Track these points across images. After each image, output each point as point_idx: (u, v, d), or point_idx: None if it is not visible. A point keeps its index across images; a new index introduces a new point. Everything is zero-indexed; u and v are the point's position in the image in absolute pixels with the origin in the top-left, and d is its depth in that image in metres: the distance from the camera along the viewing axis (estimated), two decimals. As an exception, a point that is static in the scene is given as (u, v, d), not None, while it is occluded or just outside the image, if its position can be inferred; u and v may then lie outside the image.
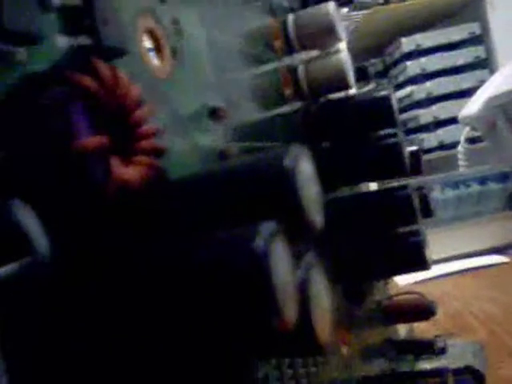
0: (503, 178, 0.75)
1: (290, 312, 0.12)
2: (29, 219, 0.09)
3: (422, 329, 0.45)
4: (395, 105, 0.29)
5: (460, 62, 1.29)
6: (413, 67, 1.30)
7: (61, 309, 0.10)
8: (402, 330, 0.40)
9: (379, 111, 0.29)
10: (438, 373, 0.28)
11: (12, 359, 0.10)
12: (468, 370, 0.36)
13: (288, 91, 0.29)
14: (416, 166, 0.31)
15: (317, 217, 0.14)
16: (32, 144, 0.12)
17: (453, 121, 1.15)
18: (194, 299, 0.11)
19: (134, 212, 0.13)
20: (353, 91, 0.30)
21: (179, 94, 0.19)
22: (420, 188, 0.31)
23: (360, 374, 0.29)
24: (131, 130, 0.13)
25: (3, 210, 0.09)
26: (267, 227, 0.12)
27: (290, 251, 0.13)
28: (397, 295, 0.36)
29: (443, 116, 1.23)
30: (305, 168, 0.14)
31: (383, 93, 0.29)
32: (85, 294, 0.10)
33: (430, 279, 0.66)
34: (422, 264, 0.28)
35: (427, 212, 0.32)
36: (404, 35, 1.32)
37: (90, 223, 0.12)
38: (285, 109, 0.29)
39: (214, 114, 0.21)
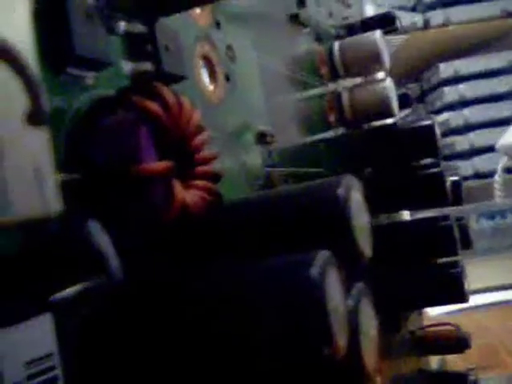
0: (540, 210, 0.74)
1: (341, 340, 0.12)
2: (104, 240, 0.10)
3: (454, 361, 0.44)
4: (438, 134, 0.29)
5: (499, 89, 1.28)
6: (450, 93, 1.30)
7: (126, 328, 0.10)
8: (434, 361, 0.39)
9: (422, 140, 0.29)
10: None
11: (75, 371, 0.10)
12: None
13: (332, 117, 0.29)
14: (456, 195, 0.31)
15: (366, 246, 0.14)
16: (101, 166, 0.12)
17: (489, 149, 1.14)
18: (247, 326, 0.12)
19: (194, 235, 0.13)
20: (395, 118, 0.30)
21: (231, 118, 0.20)
22: (460, 219, 0.31)
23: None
24: (191, 154, 0.14)
25: (83, 230, 0.09)
26: (322, 255, 0.12)
27: (342, 280, 0.13)
28: (432, 326, 0.35)
29: (480, 144, 1.21)
30: (356, 197, 0.14)
31: (426, 122, 0.29)
32: (148, 317, 0.11)
33: (462, 310, 0.65)
34: (460, 296, 0.28)
35: (466, 243, 0.31)
36: (442, 61, 1.31)
37: (153, 246, 0.12)
38: (329, 134, 0.29)
39: (262, 138, 0.21)
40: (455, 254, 0.28)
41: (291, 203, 0.14)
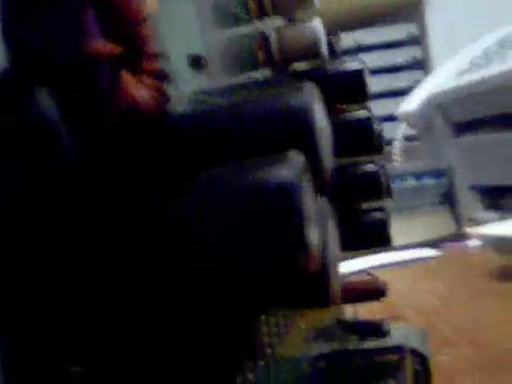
0: (438, 174, 0.76)
1: (316, 251, 0.11)
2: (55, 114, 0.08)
3: (361, 313, 0.44)
4: (367, 79, 0.28)
5: (397, 61, 1.32)
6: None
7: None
8: (348, 311, 0.40)
9: (351, 84, 0.28)
10: (397, 350, 0.28)
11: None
12: (413, 353, 0.36)
13: (260, 56, 0.28)
14: (379, 143, 0.31)
15: (329, 162, 0.13)
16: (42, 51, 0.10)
17: (388, 118, 1.17)
18: (219, 229, 0.10)
19: (147, 136, 0.11)
20: (323, 61, 0.30)
21: (164, 32, 0.18)
22: (383, 167, 0.31)
23: (316, 350, 0.29)
24: (140, 47, 0.12)
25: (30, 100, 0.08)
26: (297, 158, 0.11)
27: (312, 190, 0.12)
28: (349, 275, 0.35)
29: (379, 113, 1.24)
30: (319, 107, 0.13)
31: (356, 66, 0.28)
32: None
33: (363, 270, 0.67)
34: (385, 240, 0.28)
35: (388, 191, 0.31)
36: (343, 31, 1.33)
37: (100, 142, 0.10)
38: (257, 75, 0.28)
39: (197, 61, 0.20)
40: (380, 198, 0.28)
41: (250, 112, 0.13)
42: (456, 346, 0.44)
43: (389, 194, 0.31)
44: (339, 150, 0.30)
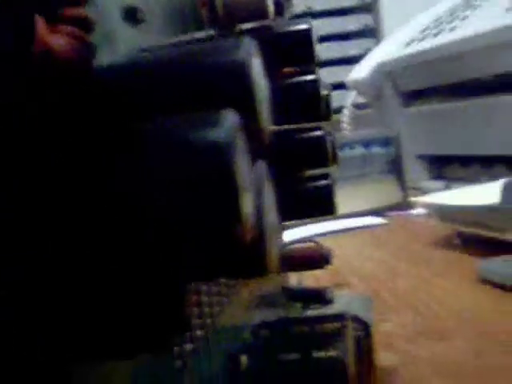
0: (386, 143, 0.77)
1: (251, 220, 0.10)
2: None
3: (309, 282, 0.44)
4: (315, 39, 0.27)
5: (348, 28, 1.31)
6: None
7: None
8: (293, 279, 0.40)
9: (298, 44, 0.27)
10: (338, 318, 0.28)
11: None
12: (355, 320, 0.36)
13: (204, 14, 0.27)
14: (327, 109, 0.30)
15: (266, 123, 0.12)
16: None
17: (338, 86, 1.17)
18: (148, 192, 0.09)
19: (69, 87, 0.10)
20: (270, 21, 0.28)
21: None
22: (330, 133, 0.30)
23: (258, 318, 0.28)
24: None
25: None
26: (230, 117, 0.10)
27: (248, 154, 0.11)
28: (293, 242, 0.35)
29: (329, 80, 1.24)
30: (257, 64, 0.12)
31: (303, 25, 0.27)
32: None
33: (309, 237, 0.67)
34: (329, 208, 0.27)
35: (334, 158, 0.31)
36: (295, -4, 1.31)
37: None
38: (200, 34, 0.26)
39: (132, 13, 0.18)
40: (326, 165, 0.27)
41: (184, 66, 0.12)
42: (398, 312, 0.45)
43: (335, 161, 0.31)
44: (285, 115, 0.29)
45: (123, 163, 0.09)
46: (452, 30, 0.71)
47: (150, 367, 0.15)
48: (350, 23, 1.31)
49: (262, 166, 0.12)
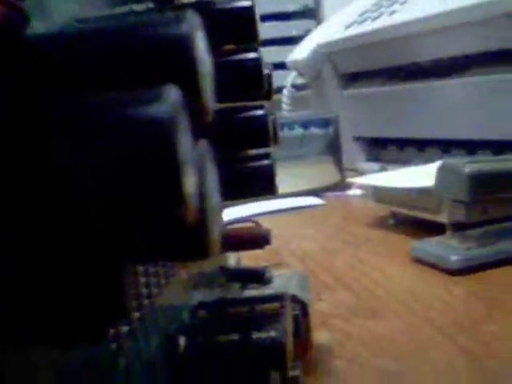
0: (325, 124, 0.77)
1: (193, 201, 0.10)
2: None
3: (248, 261, 0.44)
4: (257, 17, 0.27)
5: (288, 8, 1.31)
6: None
7: None
8: (231, 259, 0.39)
9: (241, 21, 0.26)
10: (277, 298, 0.28)
11: None
12: (293, 300, 0.36)
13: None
14: (269, 88, 0.30)
15: (209, 100, 0.12)
16: None
17: (279, 66, 1.17)
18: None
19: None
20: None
21: None
22: (271, 112, 0.30)
23: (196, 298, 0.28)
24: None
25: None
26: (173, 93, 0.09)
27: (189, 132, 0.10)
28: (233, 222, 0.35)
29: (269, 60, 1.24)
30: (201, 37, 0.12)
31: (246, 2, 0.27)
32: None
33: (248, 217, 0.67)
34: (270, 188, 0.27)
35: (275, 138, 0.31)
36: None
37: None
38: (139, 7, 0.25)
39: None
40: (267, 145, 0.27)
41: (124, 38, 0.11)
42: (335, 291, 0.46)
43: (276, 140, 0.31)
44: (226, 93, 0.28)
45: (59, 139, 0.09)
46: (391, 14, 0.72)
47: (84, 350, 0.14)
48: (290, 3, 1.31)
49: (204, 144, 0.12)
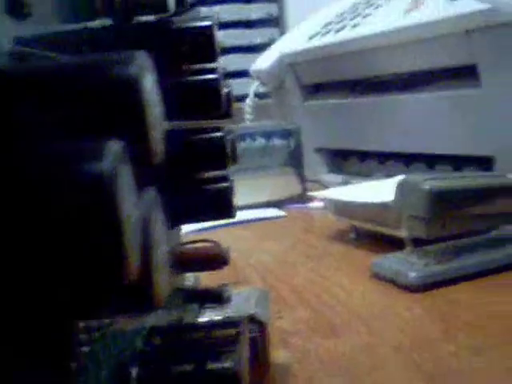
0: (286, 134, 0.77)
1: (135, 261, 0.09)
2: None
3: (206, 279, 0.44)
4: (217, 36, 0.26)
5: (252, 16, 1.31)
6: (205, 13, 1.29)
7: None
8: (190, 279, 0.39)
9: (200, 42, 0.26)
10: (233, 324, 0.27)
11: None
12: (251, 321, 0.36)
13: (99, 3, 0.25)
14: (228, 108, 0.29)
15: (159, 144, 0.12)
16: None
17: (240, 74, 1.16)
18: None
19: None
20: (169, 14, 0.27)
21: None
22: (230, 132, 0.30)
23: (151, 321, 0.27)
24: None
25: None
26: (113, 147, 0.09)
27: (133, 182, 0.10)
28: (191, 242, 0.34)
29: (232, 68, 1.24)
30: (150, 80, 0.11)
31: (205, 22, 0.26)
32: None
33: (207, 229, 0.66)
34: (228, 211, 0.27)
35: (234, 158, 0.30)
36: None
37: None
38: (94, 24, 0.25)
39: (16, 5, 0.17)
40: (224, 167, 0.27)
41: (70, 80, 0.10)
42: (294, 308, 0.45)
43: (235, 161, 0.30)
44: (184, 113, 0.28)
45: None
46: (354, 26, 0.72)
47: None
48: (254, 12, 1.31)
49: (151, 192, 0.11)
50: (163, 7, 0.26)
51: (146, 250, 0.10)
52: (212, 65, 0.26)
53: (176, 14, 0.28)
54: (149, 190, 0.11)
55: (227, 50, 1.29)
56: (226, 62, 1.28)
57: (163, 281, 0.11)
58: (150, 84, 0.11)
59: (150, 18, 0.27)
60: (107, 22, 0.26)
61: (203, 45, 0.26)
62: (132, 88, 0.10)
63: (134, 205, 0.09)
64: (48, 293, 0.09)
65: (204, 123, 0.27)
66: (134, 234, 0.09)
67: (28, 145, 0.09)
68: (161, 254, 0.11)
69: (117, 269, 0.09)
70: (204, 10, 1.29)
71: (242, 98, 1.07)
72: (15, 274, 0.09)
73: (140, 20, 0.27)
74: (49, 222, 0.08)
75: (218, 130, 0.26)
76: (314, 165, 0.84)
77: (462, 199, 0.46)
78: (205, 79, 0.26)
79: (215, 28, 0.26)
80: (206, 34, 0.26)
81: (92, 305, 0.10)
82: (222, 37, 1.30)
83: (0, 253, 0.09)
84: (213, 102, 0.26)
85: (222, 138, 0.26)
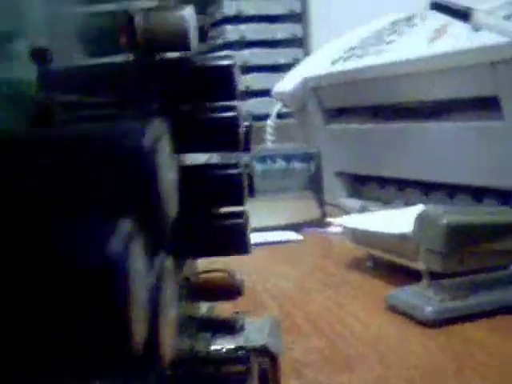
0: (307, 158, 0.77)
1: (141, 333, 0.09)
2: None
3: (222, 303, 0.44)
4: (238, 75, 0.27)
5: (277, 36, 1.32)
6: (232, 32, 1.30)
7: None
8: (204, 307, 0.39)
9: (220, 80, 0.26)
10: (244, 360, 0.27)
11: None
12: (263, 352, 0.36)
13: (123, 39, 0.25)
14: (246, 141, 0.30)
15: (172, 206, 0.12)
16: None
17: (263, 93, 1.17)
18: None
19: None
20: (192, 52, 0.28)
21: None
22: (247, 166, 0.30)
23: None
24: None
25: None
26: (123, 229, 0.09)
27: (145, 255, 0.10)
28: (206, 272, 0.34)
29: (256, 87, 1.24)
30: (164, 150, 0.11)
31: (227, 61, 0.26)
32: None
33: (223, 268, 0.66)
34: (243, 248, 0.27)
35: (251, 192, 0.30)
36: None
37: None
38: (118, 59, 0.25)
39: (39, 54, 0.17)
40: (241, 203, 0.27)
41: (82, 152, 0.11)
42: (309, 338, 0.45)
43: (251, 194, 0.30)
44: (203, 149, 0.28)
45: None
46: (378, 53, 0.72)
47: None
48: (279, 31, 1.32)
49: (162, 258, 0.11)
50: (186, 45, 0.27)
51: (155, 314, 0.10)
52: (232, 103, 0.27)
53: (200, 52, 0.28)
54: (160, 255, 0.11)
55: (251, 69, 1.30)
56: (250, 81, 1.28)
57: (168, 343, 0.11)
58: (163, 153, 0.11)
59: (174, 54, 0.27)
60: (130, 57, 0.26)
61: (222, 83, 0.26)
62: (145, 160, 0.10)
63: (144, 279, 0.09)
64: (54, 360, 0.10)
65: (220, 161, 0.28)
66: (140, 312, 0.09)
67: (40, 222, 0.09)
68: (169, 318, 0.11)
69: (122, 342, 0.09)
70: (229, 29, 1.30)
71: (264, 117, 1.07)
72: (26, 340, 0.09)
73: (163, 56, 0.27)
74: (57, 298, 0.09)
75: (235, 166, 0.26)
76: (334, 188, 0.84)
77: (480, 234, 0.46)
78: (223, 117, 0.26)
79: (236, 67, 0.26)
80: (227, 71, 0.26)
81: (96, 369, 0.10)
82: (247, 56, 1.31)
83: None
84: (231, 139, 0.26)
85: (239, 175, 0.26)
